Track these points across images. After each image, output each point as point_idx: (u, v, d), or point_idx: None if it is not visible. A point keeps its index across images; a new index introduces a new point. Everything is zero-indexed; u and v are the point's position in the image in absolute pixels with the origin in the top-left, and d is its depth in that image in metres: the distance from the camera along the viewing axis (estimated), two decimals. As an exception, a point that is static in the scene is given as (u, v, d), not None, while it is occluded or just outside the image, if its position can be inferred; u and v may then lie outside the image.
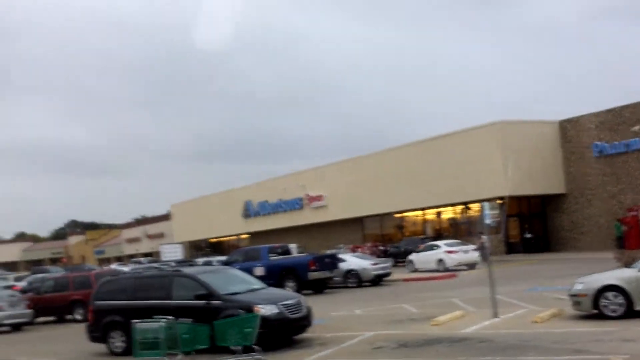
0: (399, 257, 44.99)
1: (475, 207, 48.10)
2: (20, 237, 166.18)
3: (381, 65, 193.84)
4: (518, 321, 16.85)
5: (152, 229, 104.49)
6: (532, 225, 51.04)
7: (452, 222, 54.93)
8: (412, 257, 41.31)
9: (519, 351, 12.89)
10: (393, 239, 56.41)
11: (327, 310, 22.35)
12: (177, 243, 69.02)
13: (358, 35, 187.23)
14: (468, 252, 38.89)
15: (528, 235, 50.36)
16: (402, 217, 59.19)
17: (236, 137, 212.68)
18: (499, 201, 44.20)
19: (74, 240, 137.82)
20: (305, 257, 33.40)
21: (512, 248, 49.53)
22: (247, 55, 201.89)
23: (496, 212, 19.09)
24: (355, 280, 34.23)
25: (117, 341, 17.13)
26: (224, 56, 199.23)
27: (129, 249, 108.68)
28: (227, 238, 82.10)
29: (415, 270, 39.79)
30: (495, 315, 17.48)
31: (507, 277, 28.87)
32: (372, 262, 35.56)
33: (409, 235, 55.80)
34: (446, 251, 39.14)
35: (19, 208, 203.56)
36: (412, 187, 54.20)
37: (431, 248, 40.55)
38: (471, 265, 38.51)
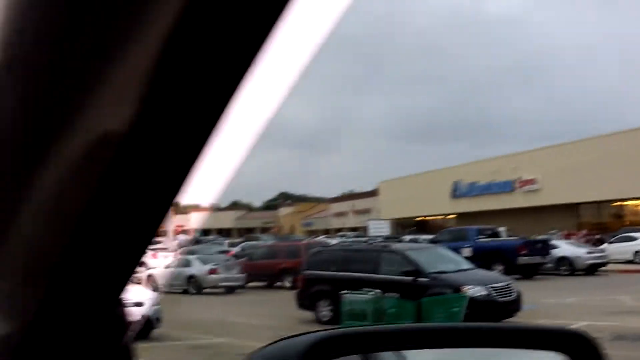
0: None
1: None
2: (234, 205, 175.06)
3: (599, 48, 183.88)
4: None
5: (359, 204, 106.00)
6: None
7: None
8: (606, 247, 38.97)
9: None
10: (610, 227, 53.32)
11: (537, 297, 21.42)
12: (384, 219, 69.66)
13: (577, 17, 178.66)
14: None
15: None
16: (621, 206, 55.86)
17: (447, 117, 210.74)
18: None
19: (283, 211, 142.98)
20: (514, 241, 32.63)
21: None
22: (461, 34, 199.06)
23: None
24: (568, 268, 32.80)
25: (324, 310, 17.43)
26: (435, 35, 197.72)
27: (335, 223, 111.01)
28: (433, 217, 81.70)
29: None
30: None
31: None
32: (587, 251, 34.03)
33: (628, 224, 52.49)
34: None
35: (235, 179, 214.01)
36: (633, 175, 50.89)
37: (628, 239, 38.55)
38: None
